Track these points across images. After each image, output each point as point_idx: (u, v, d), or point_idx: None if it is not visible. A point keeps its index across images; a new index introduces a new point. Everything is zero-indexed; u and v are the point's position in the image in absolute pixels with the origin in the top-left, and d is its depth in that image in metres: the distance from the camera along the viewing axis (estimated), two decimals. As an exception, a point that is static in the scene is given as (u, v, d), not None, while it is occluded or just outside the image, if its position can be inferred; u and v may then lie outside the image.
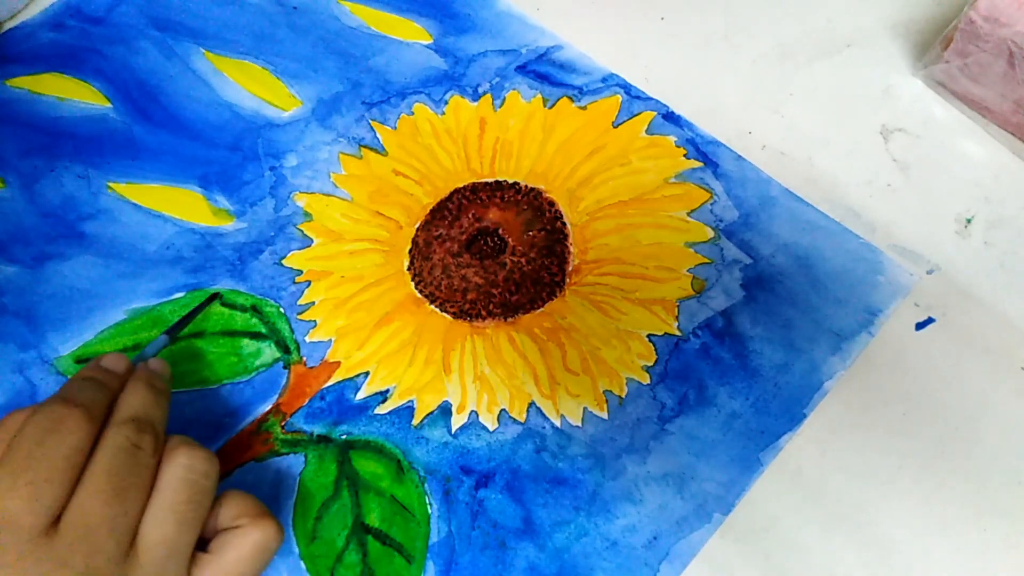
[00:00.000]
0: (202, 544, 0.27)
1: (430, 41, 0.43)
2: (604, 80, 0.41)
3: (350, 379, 0.34)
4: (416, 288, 0.36)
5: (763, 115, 0.40)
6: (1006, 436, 0.33)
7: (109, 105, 0.41)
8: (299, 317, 0.35)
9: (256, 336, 0.35)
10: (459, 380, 0.34)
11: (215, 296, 0.35)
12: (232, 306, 0.36)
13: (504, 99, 0.41)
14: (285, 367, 0.34)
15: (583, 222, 0.37)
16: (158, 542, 0.25)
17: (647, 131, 0.40)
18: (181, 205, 0.38)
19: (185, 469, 0.26)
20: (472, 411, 0.33)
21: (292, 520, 0.31)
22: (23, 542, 0.23)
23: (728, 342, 0.35)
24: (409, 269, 0.37)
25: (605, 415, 0.33)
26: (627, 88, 0.41)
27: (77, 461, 0.25)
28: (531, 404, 0.34)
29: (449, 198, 0.38)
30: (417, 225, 0.38)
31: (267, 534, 0.27)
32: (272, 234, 0.38)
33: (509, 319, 0.35)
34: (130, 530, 0.25)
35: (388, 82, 0.42)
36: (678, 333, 0.35)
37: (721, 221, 0.37)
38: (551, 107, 0.41)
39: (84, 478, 0.25)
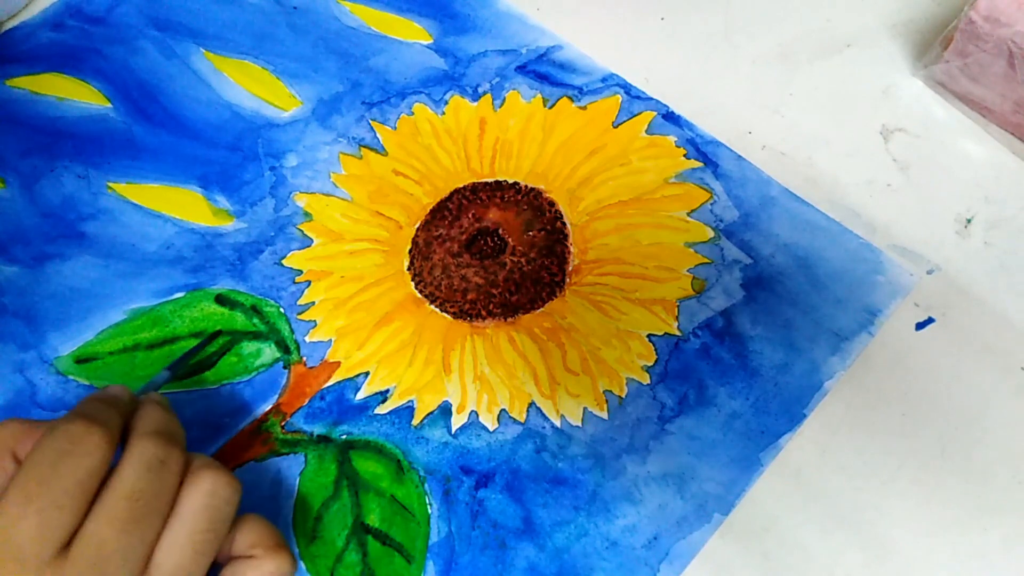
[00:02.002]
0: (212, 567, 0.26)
1: (430, 41, 0.43)
2: (604, 80, 0.41)
3: (350, 379, 0.34)
4: (416, 288, 0.36)
5: (763, 115, 0.40)
6: (1006, 436, 0.33)
7: (109, 105, 0.41)
8: (299, 317, 0.35)
9: (256, 336, 0.35)
10: (459, 380, 0.34)
11: (218, 333, 0.35)
12: (232, 305, 0.36)
13: (504, 99, 0.41)
14: (285, 367, 0.34)
15: (583, 222, 0.37)
16: (172, 572, 0.24)
17: (647, 131, 0.40)
18: (181, 205, 0.38)
19: (208, 495, 0.25)
20: (472, 411, 0.33)
21: (292, 520, 0.31)
22: (29, 572, 0.22)
23: (728, 342, 0.35)
24: (409, 269, 0.37)
25: (605, 415, 0.33)
26: (627, 88, 0.41)
27: (92, 485, 0.24)
28: (531, 404, 0.34)
29: (449, 198, 0.38)
30: (417, 225, 0.38)
31: (281, 568, 0.26)
32: (272, 234, 0.38)
33: (509, 319, 0.35)
34: (143, 558, 0.24)
35: (388, 82, 0.42)
36: (678, 333, 0.35)
37: (721, 221, 0.37)
38: (551, 107, 0.41)
39: (102, 500, 0.24)
